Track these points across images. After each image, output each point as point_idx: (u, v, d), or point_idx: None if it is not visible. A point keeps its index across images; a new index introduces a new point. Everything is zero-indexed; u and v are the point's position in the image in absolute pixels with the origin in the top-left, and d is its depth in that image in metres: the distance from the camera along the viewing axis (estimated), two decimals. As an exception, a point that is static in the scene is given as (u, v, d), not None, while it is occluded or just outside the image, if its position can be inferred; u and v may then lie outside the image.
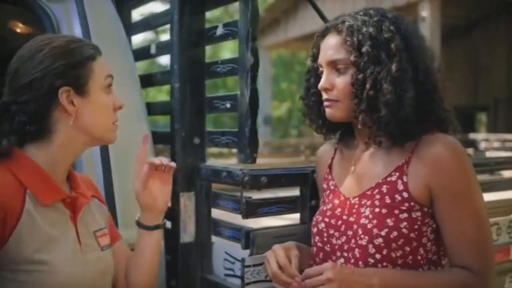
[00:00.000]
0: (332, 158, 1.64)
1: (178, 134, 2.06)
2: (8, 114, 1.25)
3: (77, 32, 1.92)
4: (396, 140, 1.43)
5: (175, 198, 2.08)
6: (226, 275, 1.94)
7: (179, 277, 2.04)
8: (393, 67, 1.38)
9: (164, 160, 1.39)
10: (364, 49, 1.40)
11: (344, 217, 1.47)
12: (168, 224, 2.10)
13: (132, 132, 1.86)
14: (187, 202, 2.03)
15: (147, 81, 2.37)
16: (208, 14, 2.14)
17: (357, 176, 1.51)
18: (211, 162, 2.30)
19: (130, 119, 1.91)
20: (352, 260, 1.41)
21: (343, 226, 1.46)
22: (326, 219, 1.51)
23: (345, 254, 1.44)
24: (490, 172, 2.71)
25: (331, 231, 1.49)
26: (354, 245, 1.42)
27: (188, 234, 2.02)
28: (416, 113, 1.40)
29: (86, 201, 1.35)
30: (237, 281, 1.82)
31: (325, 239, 1.50)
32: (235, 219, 1.90)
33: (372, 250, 1.38)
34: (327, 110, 1.50)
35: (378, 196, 1.42)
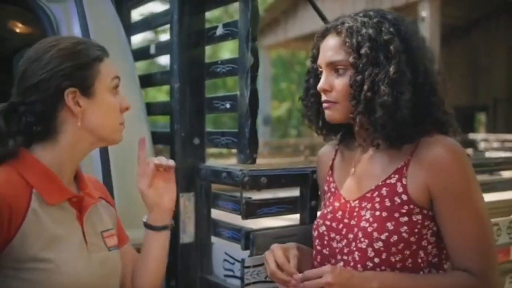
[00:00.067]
0: (333, 160, 1.63)
1: (177, 134, 2.05)
2: (16, 115, 1.26)
3: (77, 32, 1.91)
4: (393, 142, 1.42)
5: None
6: (226, 275, 1.93)
7: (178, 278, 2.03)
8: (391, 69, 1.37)
9: (163, 159, 1.40)
10: (363, 51, 1.40)
11: (345, 220, 1.47)
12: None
13: (131, 132, 1.84)
14: (187, 202, 2.03)
15: (146, 81, 2.36)
16: (208, 14, 2.14)
17: (357, 178, 1.50)
18: (211, 162, 2.30)
19: (130, 120, 1.90)
20: (352, 264, 1.41)
21: (344, 229, 1.46)
22: (327, 222, 1.50)
23: (345, 258, 1.43)
24: (489, 173, 2.71)
25: (332, 235, 1.48)
26: (354, 248, 1.41)
27: (187, 234, 2.02)
28: (414, 115, 1.40)
29: (93, 201, 1.35)
30: (237, 282, 1.82)
31: (325, 242, 1.50)
32: (235, 219, 1.90)
33: (371, 253, 1.38)
34: (326, 112, 1.50)
35: (378, 199, 1.42)
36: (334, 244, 1.47)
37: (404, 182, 1.40)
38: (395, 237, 1.36)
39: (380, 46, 1.40)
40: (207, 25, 2.11)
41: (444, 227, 1.38)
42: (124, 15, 2.41)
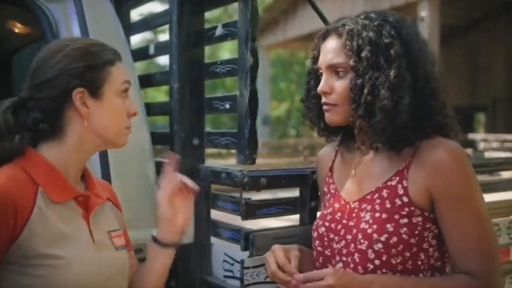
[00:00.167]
0: (333, 161, 1.63)
1: (177, 134, 2.05)
2: (24, 110, 1.28)
3: (76, 32, 1.91)
4: (393, 146, 1.42)
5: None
6: (225, 276, 1.93)
7: (178, 278, 2.03)
8: (392, 73, 1.37)
9: (190, 181, 1.40)
10: (363, 54, 1.39)
11: (344, 221, 1.46)
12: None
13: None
14: (186, 203, 2.02)
15: (146, 81, 2.36)
16: (207, 14, 2.13)
17: (358, 180, 1.50)
18: (210, 163, 2.29)
19: (129, 120, 1.90)
20: (352, 265, 1.40)
21: (343, 230, 1.46)
22: (326, 223, 1.50)
23: (344, 259, 1.43)
24: (489, 173, 2.71)
25: (331, 236, 1.48)
26: (353, 250, 1.41)
27: (187, 235, 2.01)
28: (414, 119, 1.39)
29: (100, 201, 1.35)
30: (236, 283, 1.82)
31: (325, 243, 1.49)
32: (234, 220, 1.89)
33: (371, 255, 1.38)
34: (326, 114, 1.49)
35: (378, 201, 1.41)
36: (334, 245, 1.47)
37: (405, 184, 1.39)
38: (394, 239, 1.35)
39: (381, 50, 1.39)
40: (207, 25, 2.10)
41: (445, 229, 1.38)
42: (123, 15, 2.40)
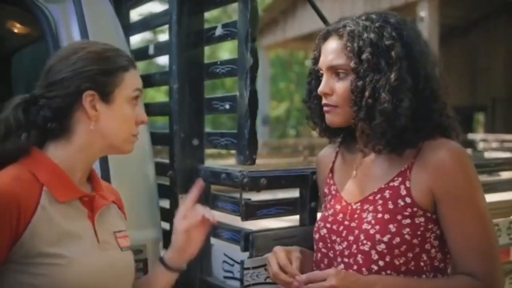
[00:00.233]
0: (334, 162, 1.63)
1: (176, 135, 2.05)
2: (35, 108, 1.29)
3: (75, 32, 1.90)
4: (394, 148, 1.42)
5: (173, 199, 2.07)
6: (225, 277, 1.93)
7: (178, 279, 2.02)
8: (392, 76, 1.37)
9: (210, 216, 1.40)
10: (364, 56, 1.39)
11: (346, 222, 1.46)
12: (167, 226, 2.09)
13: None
14: (186, 203, 2.02)
15: (145, 81, 2.34)
16: (207, 14, 2.13)
17: (359, 181, 1.50)
18: (210, 163, 2.29)
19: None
20: (355, 267, 1.40)
21: (345, 231, 1.45)
22: (328, 225, 1.50)
23: (346, 260, 1.43)
24: (488, 173, 2.70)
25: (333, 237, 1.48)
26: (355, 251, 1.41)
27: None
28: (415, 121, 1.39)
29: (105, 203, 1.36)
30: (236, 283, 1.81)
31: (328, 245, 1.49)
32: (234, 221, 1.89)
33: (375, 256, 1.37)
34: (327, 116, 1.49)
35: (380, 201, 1.41)
36: (336, 247, 1.47)
37: (408, 185, 1.39)
38: (397, 239, 1.35)
39: (382, 52, 1.39)
40: (206, 26, 2.10)
41: (447, 230, 1.38)
42: (122, 15, 2.40)
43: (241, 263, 1.70)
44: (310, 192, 1.84)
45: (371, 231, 1.38)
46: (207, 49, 2.13)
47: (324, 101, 1.48)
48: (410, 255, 1.36)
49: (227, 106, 1.93)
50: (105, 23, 2.06)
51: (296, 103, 26.57)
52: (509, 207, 2.33)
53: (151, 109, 2.32)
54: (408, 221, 1.37)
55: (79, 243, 1.24)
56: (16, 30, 2.53)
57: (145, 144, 2.01)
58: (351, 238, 1.43)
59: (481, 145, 14.02)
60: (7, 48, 2.75)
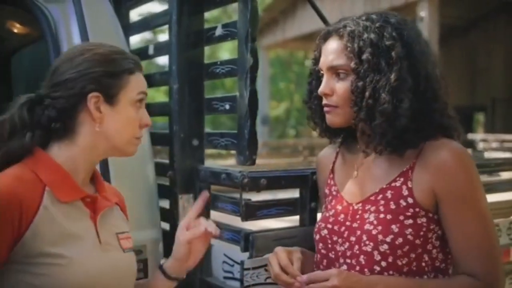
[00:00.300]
0: (334, 162, 1.62)
1: (176, 135, 2.04)
2: (41, 107, 1.30)
3: (75, 32, 1.90)
4: (395, 149, 1.42)
5: (173, 200, 2.06)
6: (225, 277, 1.92)
7: (177, 280, 2.02)
8: (392, 76, 1.36)
9: (213, 229, 1.41)
10: (364, 56, 1.39)
11: (347, 223, 1.46)
12: (167, 227, 2.09)
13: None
14: (186, 204, 2.02)
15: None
16: (207, 15, 2.12)
17: (360, 181, 1.50)
18: (210, 164, 2.29)
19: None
20: (357, 267, 1.40)
21: (346, 232, 1.45)
22: (329, 226, 1.49)
23: (348, 261, 1.43)
24: (488, 173, 2.70)
25: (335, 238, 1.48)
26: (358, 252, 1.40)
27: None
28: (416, 121, 1.39)
29: (108, 204, 1.36)
30: (236, 284, 1.81)
31: (329, 246, 1.49)
32: (234, 221, 1.89)
33: (377, 257, 1.37)
34: (327, 116, 1.49)
35: (382, 202, 1.41)
36: (337, 248, 1.47)
37: (410, 185, 1.39)
38: (400, 240, 1.35)
39: (382, 52, 1.39)
40: (206, 26, 2.10)
41: (448, 230, 1.38)
42: (122, 15, 2.39)
43: (241, 263, 1.70)
44: (310, 192, 1.84)
45: (374, 232, 1.38)
46: (206, 49, 2.12)
47: (324, 101, 1.48)
48: (413, 255, 1.36)
49: (227, 107, 1.93)
50: (105, 23, 2.06)
51: (296, 103, 26.60)
52: (509, 207, 2.33)
53: (151, 109, 2.30)
54: (410, 221, 1.37)
55: (80, 243, 1.25)
56: (15, 30, 2.52)
57: (145, 145, 2.00)
58: (353, 238, 1.43)
59: (481, 145, 14.02)
60: (7, 48, 2.75)
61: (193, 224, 1.42)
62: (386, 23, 1.42)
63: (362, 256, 1.39)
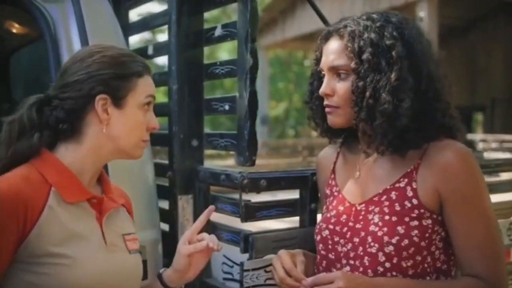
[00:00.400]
0: (335, 163, 1.62)
1: (176, 136, 2.04)
2: (49, 108, 1.31)
3: (74, 32, 1.90)
4: (396, 149, 1.41)
5: (173, 200, 2.06)
6: (225, 279, 1.92)
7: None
8: (393, 76, 1.36)
9: (215, 244, 1.40)
10: (364, 56, 1.38)
11: (350, 224, 1.45)
12: (166, 227, 2.09)
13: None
14: (185, 205, 2.01)
15: (144, 82, 2.34)
16: (206, 15, 2.12)
17: (363, 182, 1.49)
18: (209, 164, 2.28)
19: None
20: (361, 269, 1.39)
21: (349, 233, 1.45)
22: (331, 226, 1.49)
23: (351, 262, 1.42)
24: (489, 174, 2.70)
25: (336, 238, 1.47)
26: (362, 253, 1.40)
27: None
28: (418, 121, 1.39)
29: (114, 205, 1.37)
30: (236, 285, 1.80)
31: (329, 246, 1.48)
32: (234, 222, 1.88)
33: (382, 258, 1.37)
34: (328, 117, 1.49)
35: (387, 203, 1.40)
36: (339, 248, 1.46)
37: (414, 186, 1.39)
38: (406, 241, 1.35)
39: (382, 52, 1.38)
40: (206, 26, 2.09)
41: (453, 230, 1.38)
42: (121, 16, 2.39)
43: (241, 264, 1.70)
44: (310, 193, 1.83)
45: (379, 233, 1.37)
46: (205, 49, 2.12)
47: (325, 102, 1.48)
48: (418, 257, 1.36)
49: (227, 107, 1.93)
50: (104, 23, 2.05)
51: (295, 103, 26.59)
52: (509, 208, 2.33)
53: (150, 110, 2.31)
54: (416, 223, 1.36)
55: (85, 244, 1.25)
56: (14, 30, 2.52)
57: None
58: (356, 239, 1.42)
59: (480, 146, 14.02)
60: (6, 48, 2.74)
61: (196, 238, 1.42)
62: (387, 22, 1.42)
63: (366, 258, 1.39)
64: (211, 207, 1.47)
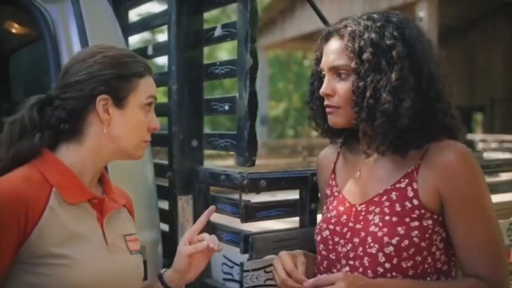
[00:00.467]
0: (335, 163, 1.62)
1: (176, 136, 2.04)
2: (51, 108, 1.30)
3: (73, 32, 1.90)
4: (397, 149, 1.41)
5: (173, 201, 2.06)
6: (225, 279, 1.91)
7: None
8: (393, 76, 1.36)
9: (215, 244, 1.39)
10: (365, 56, 1.38)
11: (350, 224, 1.45)
12: (166, 228, 2.08)
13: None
14: (185, 205, 2.01)
15: (144, 82, 2.34)
16: (206, 15, 2.12)
17: (363, 182, 1.49)
18: (209, 164, 2.28)
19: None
20: (360, 269, 1.39)
21: (349, 233, 1.44)
22: (331, 227, 1.49)
23: (351, 262, 1.42)
24: (488, 174, 2.70)
25: (336, 239, 1.47)
26: (362, 253, 1.40)
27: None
28: (418, 121, 1.38)
29: (115, 206, 1.36)
30: (236, 286, 1.80)
31: (330, 247, 1.48)
32: (234, 222, 1.88)
33: (382, 258, 1.37)
34: (329, 117, 1.48)
35: (387, 203, 1.40)
36: (339, 249, 1.46)
37: (415, 187, 1.38)
38: (406, 242, 1.35)
39: (383, 52, 1.38)
40: (205, 26, 2.09)
41: (453, 231, 1.38)
42: (121, 16, 2.39)
43: (241, 265, 1.69)
44: (310, 193, 1.83)
45: (379, 234, 1.37)
46: (205, 49, 2.12)
47: (326, 102, 1.47)
48: (418, 258, 1.36)
49: (227, 107, 1.93)
50: (104, 23, 2.05)
51: (295, 103, 26.59)
52: (509, 208, 2.32)
53: (150, 110, 2.30)
54: (416, 223, 1.36)
55: (86, 245, 1.25)
56: (14, 30, 2.52)
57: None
58: (356, 240, 1.42)
59: (480, 146, 14.02)
60: (5, 48, 2.74)
61: (196, 238, 1.42)
62: (388, 22, 1.42)
63: (366, 258, 1.39)
64: (212, 207, 1.47)
